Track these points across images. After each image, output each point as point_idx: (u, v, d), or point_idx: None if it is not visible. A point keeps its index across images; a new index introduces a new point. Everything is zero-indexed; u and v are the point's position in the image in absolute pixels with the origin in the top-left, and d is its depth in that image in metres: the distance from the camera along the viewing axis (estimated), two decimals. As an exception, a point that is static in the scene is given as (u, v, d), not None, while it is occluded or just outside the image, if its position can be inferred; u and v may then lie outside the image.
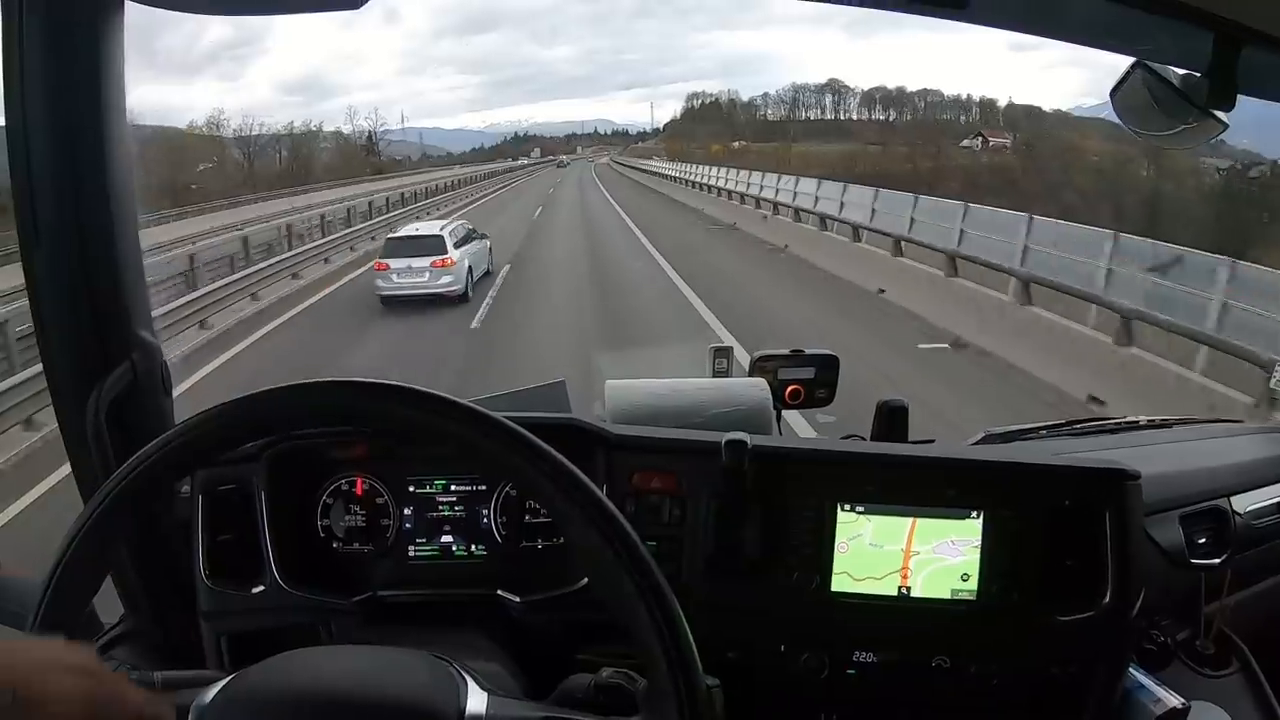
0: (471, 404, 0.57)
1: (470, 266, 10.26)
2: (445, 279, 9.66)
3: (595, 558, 0.55)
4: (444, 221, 11.95)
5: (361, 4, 1.05)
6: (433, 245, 9.86)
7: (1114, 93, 0.98)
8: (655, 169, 40.87)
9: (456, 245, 10.18)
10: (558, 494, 0.56)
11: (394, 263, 9.76)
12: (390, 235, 11.39)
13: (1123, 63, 0.95)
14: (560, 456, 0.56)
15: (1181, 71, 0.92)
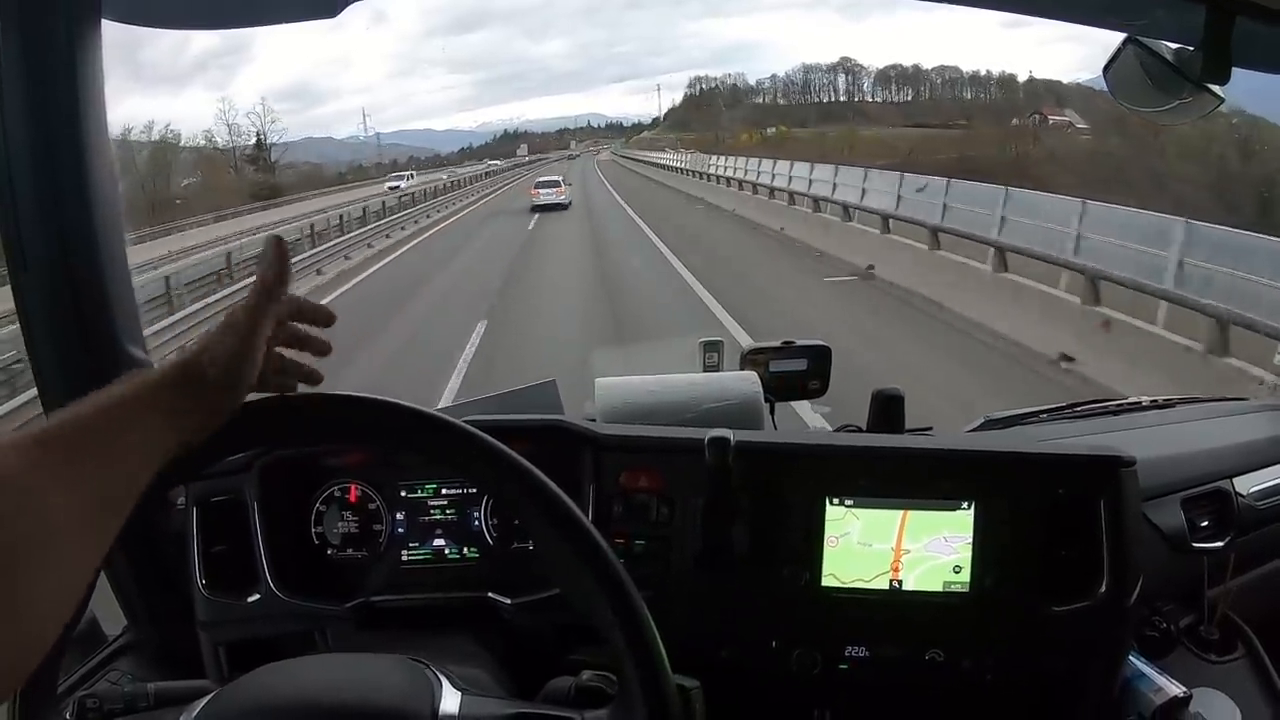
0: (430, 410, 0.56)
1: (568, 193, 23.79)
2: (562, 198, 22.89)
3: (558, 556, 0.54)
4: (560, 174, 28.21)
5: (338, 12, 1.05)
6: (556, 184, 23.94)
7: (1107, 69, 0.96)
8: (671, 162, 34.02)
9: (565, 183, 24.32)
10: (519, 493, 0.55)
11: (540, 190, 23.39)
12: (537, 180, 25.98)
13: (1116, 36, 0.92)
14: (516, 455, 0.54)
15: (1174, 46, 0.90)
